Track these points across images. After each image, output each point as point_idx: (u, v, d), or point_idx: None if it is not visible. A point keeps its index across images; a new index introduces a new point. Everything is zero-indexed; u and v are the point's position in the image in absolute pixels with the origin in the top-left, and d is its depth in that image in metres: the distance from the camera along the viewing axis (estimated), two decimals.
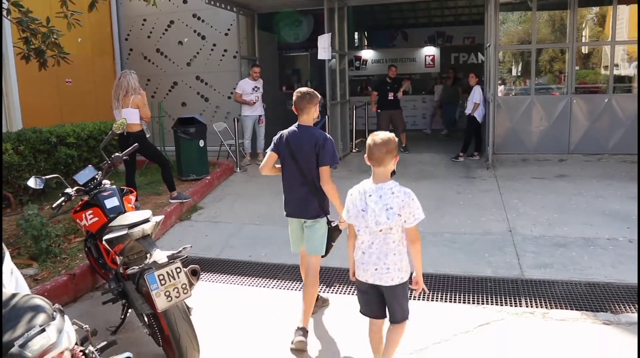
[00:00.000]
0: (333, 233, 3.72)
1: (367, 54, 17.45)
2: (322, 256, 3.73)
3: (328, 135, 3.62)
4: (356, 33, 20.54)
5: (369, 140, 2.83)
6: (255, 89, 9.88)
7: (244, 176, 9.17)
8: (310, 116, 3.60)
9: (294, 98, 3.63)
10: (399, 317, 2.91)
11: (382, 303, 2.92)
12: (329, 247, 3.74)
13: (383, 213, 2.72)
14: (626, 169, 8.53)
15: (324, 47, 9.21)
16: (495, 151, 9.57)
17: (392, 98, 10.49)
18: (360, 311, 3.03)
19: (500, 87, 10.19)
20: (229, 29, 11.00)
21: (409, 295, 2.99)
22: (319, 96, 3.67)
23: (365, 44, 21.03)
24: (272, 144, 3.71)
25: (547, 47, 11.70)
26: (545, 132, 9.85)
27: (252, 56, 11.06)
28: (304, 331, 3.58)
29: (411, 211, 2.74)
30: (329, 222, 3.69)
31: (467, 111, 9.89)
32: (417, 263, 2.87)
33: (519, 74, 11.93)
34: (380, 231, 2.77)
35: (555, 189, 7.53)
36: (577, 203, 6.79)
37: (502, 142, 9.91)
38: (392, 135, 2.85)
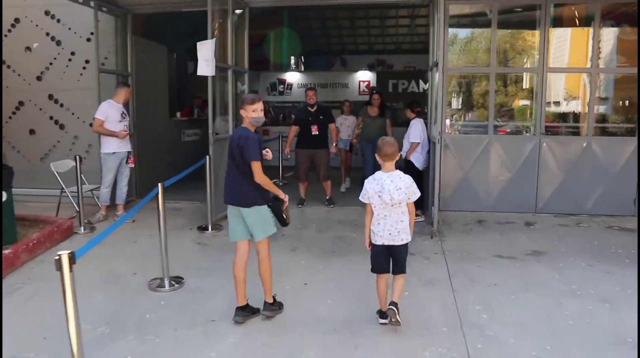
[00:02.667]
0: (276, 208, 3.97)
1: (293, 77, 14.73)
2: (285, 225, 4.12)
3: (253, 134, 3.85)
4: (292, 57, 18.36)
5: (380, 142, 3.81)
6: (124, 115, 6.87)
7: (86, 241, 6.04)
8: (244, 119, 3.91)
9: None
10: (402, 269, 3.89)
11: (389, 261, 3.86)
12: (283, 219, 4.04)
13: (395, 191, 3.67)
14: (619, 242, 6.03)
15: (206, 58, 6.33)
16: (442, 207, 6.90)
17: (317, 133, 7.67)
18: (373, 270, 3.92)
19: (447, 122, 7.56)
20: (92, 33, 7.87)
21: None
22: (247, 99, 3.91)
23: (302, 69, 18.72)
24: None
25: (511, 72, 9.17)
26: (507, 184, 7.33)
27: (124, 70, 8.01)
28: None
29: (412, 190, 3.77)
30: (270, 203, 3.94)
31: (402, 154, 7.16)
32: (412, 222, 3.88)
33: (472, 106, 9.36)
34: (392, 206, 3.71)
35: (533, 280, 4.90)
36: (575, 316, 4.14)
37: (452, 195, 7.27)
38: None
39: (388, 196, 3.66)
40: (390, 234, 3.75)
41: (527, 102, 8.88)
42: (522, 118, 8.52)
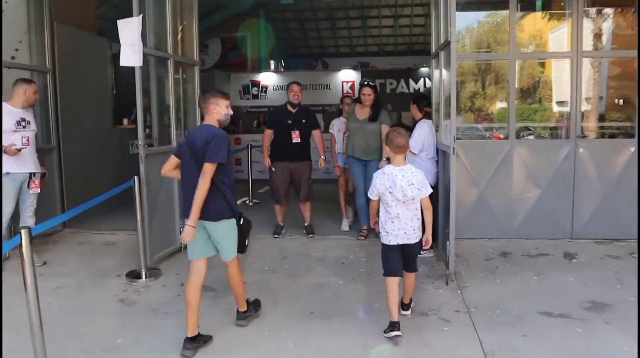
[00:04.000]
0: (244, 228, 3.49)
1: (268, 79, 12.92)
2: (242, 253, 3.57)
3: (222, 132, 3.35)
4: (272, 61, 17.55)
5: (392, 133, 3.55)
6: (22, 123, 4.97)
7: None
8: (209, 116, 3.40)
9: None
10: (415, 267, 3.71)
11: (401, 262, 3.57)
12: (243, 244, 3.53)
13: (408, 187, 3.41)
14: None
15: (131, 43, 4.50)
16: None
17: (298, 140, 5.86)
18: (385, 274, 3.55)
19: (447, 122, 5.79)
20: None
21: None
22: (219, 93, 3.45)
23: (282, 70, 17.11)
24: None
25: (536, 58, 7.34)
26: (534, 203, 5.61)
27: (42, 64, 6.12)
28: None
29: (425, 185, 3.48)
30: (238, 219, 3.44)
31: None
32: (428, 225, 3.59)
33: (482, 104, 7.58)
34: (404, 202, 3.44)
35: None
36: None
37: (465, 219, 5.52)
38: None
39: (400, 192, 3.44)
40: (405, 233, 3.52)
41: (550, 98, 7.18)
42: (545, 118, 6.83)
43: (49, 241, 5.96)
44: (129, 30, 4.51)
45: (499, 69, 8.65)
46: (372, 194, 3.57)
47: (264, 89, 12.82)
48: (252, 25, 16.31)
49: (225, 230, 3.39)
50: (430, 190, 3.54)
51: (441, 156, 4.98)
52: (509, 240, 5.60)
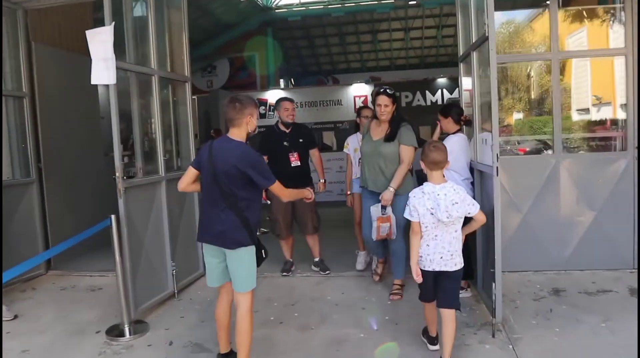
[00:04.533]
0: (259, 258, 3.15)
1: (276, 97, 12.11)
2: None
3: (256, 151, 3.03)
4: (282, 80, 17.11)
5: (427, 147, 3.13)
6: None
7: None
8: (241, 129, 3.02)
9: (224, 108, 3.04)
10: (454, 302, 3.13)
11: (436, 291, 3.19)
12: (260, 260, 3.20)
13: (452, 207, 3.01)
14: None
15: (103, 56, 3.76)
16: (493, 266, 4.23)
17: (298, 163, 5.04)
18: (421, 298, 3.30)
19: (484, 136, 4.86)
20: None
21: None
22: (253, 101, 3.07)
23: (290, 87, 16.51)
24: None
25: (584, 56, 6.33)
26: (588, 228, 4.70)
27: (18, 89, 5.41)
28: None
29: (469, 202, 3.11)
30: (259, 248, 3.12)
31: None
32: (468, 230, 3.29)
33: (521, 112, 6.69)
34: (446, 224, 3.04)
35: None
36: None
37: (506, 249, 4.57)
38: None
39: (444, 213, 3.02)
40: (442, 258, 3.10)
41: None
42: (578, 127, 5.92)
43: (28, 287, 5.20)
44: (100, 42, 3.77)
45: (515, 77, 7.85)
46: (412, 216, 3.11)
47: (272, 107, 12.07)
48: (260, 44, 15.88)
49: (242, 259, 3.04)
50: (477, 206, 3.15)
51: (478, 177, 4.13)
52: (558, 272, 4.71)
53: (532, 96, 7.22)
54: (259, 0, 14.25)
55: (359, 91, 11.64)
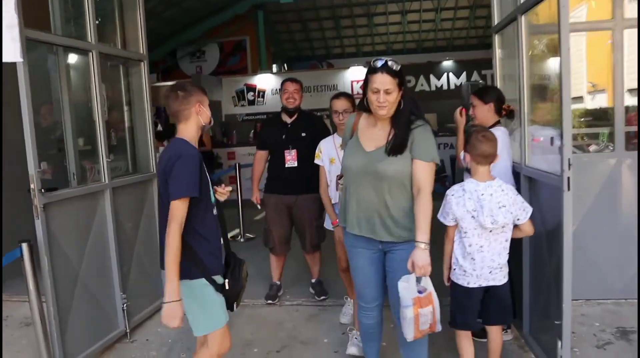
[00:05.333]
0: (231, 293, 2.34)
1: (265, 82, 10.99)
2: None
3: (191, 151, 2.21)
4: (274, 65, 15.94)
5: (475, 137, 2.55)
6: None
7: None
8: (190, 123, 2.29)
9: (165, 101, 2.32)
10: (507, 317, 2.73)
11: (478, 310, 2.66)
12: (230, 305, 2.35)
13: (498, 211, 2.46)
14: None
15: (9, 24, 2.61)
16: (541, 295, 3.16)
17: (294, 164, 3.90)
18: (456, 325, 2.66)
19: (537, 131, 3.71)
20: None
21: None
22: (199, 88, 2.33)
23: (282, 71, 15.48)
24: None
25: None
26: None
27: None
28: None
29: (520, 205, 2.54)
30: (215, 283, 2.28)
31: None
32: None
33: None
34: (491, 231, 2.49)
35: None
36: None
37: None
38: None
39: (488, 217, 2.44)
40: (490, 272, 2.52)
41: None
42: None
43: None
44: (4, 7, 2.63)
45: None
46: (447, 219, 2.57)
47: (261, 93, 10.92)
48: (252, 29, 14.91)
49: (188, 295, 2.25)
50: (531, 209, 2.55)
51: (526, 184, 3.03)
52: (617, 302, 3.65)
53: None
54: None
55: (357, 75, 10.51)
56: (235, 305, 2.37)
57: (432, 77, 10.36)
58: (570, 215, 2.41)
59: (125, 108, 3.96)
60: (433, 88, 10.31)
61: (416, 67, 10.61)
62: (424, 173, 2.29)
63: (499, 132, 3.12)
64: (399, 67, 2.28)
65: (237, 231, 6.33)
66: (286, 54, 19.19)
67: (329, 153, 3.36)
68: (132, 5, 3.90)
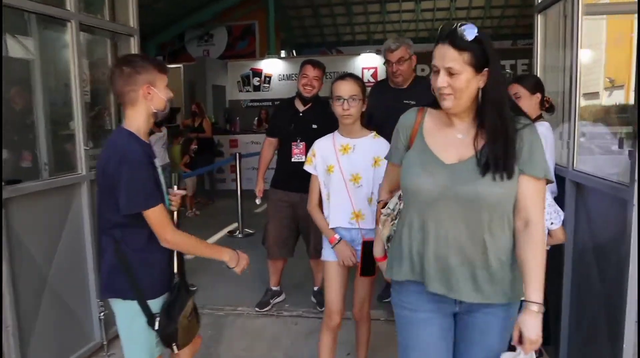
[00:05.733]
0: (165, 334, 1.90)
1: (272, 67, 10.49)
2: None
3: (132, 156, 1.78)
4: (283, 51, 15.74)
5: None
6: None
7: None
8: (137, 109, 1.87)
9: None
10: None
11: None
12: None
13: None
14: None
15: None
16: (579, 333, 2.69)
17: (302, 158, 3.32)
18: None
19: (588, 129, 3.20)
20: None
21: None
22: (151, 63, 1.86)
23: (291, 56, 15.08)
24: None
25: None
26: None
27: None
28: None
29: (554, 208, 2.31)
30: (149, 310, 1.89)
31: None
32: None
33: None
34: None
35: None
36: None
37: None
38: None
39: None
40: None
41: None
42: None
43: None
44: None
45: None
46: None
47: (267, 79, 10.42)
48: (261, 13, 14.46)
49: (121, 315, 1.95)
50: (561, 217, 2.24)
51: (571, 191, 2.55)
52: None
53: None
54: None
55: (368, 62, 10.00)
56: (175, 346, 1.93)
57: None
58: (636, 233, 1.94)
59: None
60: None
61: (430, 55, 10.06)
62: (536, 196, 1.53)
63: (543, 128, 2.65)
64: (473, 35, 1.45)
65: (235, 225, 5.89)
66: (295, 40, 18.94)
67: (325, 158, 2.43)
68: None
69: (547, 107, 2.77)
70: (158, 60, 2.00)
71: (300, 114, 3.47)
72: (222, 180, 8.53)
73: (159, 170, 1.94)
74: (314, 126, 3.37)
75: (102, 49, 3.43)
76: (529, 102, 2.69)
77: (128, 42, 3.45)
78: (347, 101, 2.28)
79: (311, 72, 3.41)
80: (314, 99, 3.46)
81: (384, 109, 2.90)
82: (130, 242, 1.87)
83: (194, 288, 3.99)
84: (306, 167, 2.47)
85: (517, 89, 2.73)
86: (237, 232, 5.77)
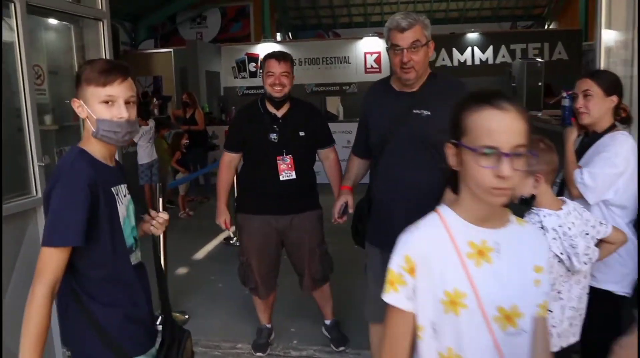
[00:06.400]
0: None
1: (268, 52, 9.74)
2: None
3: (73, 176, 1.43)
4: (278, 34, 14.90)
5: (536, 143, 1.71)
6: None
7: None
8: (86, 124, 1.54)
9: None
10: None
11: None
12: None
13: (590, 243, 1.78)
14: None
15: None
16: None
17: (292, 175, 2.71)
18: None
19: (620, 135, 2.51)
20: None
21: None
22: (92, 68, 1.48)
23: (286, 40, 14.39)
24: None
25: None
26: None
27: None
28: None
29: (594, 222, 1.86)
30: None
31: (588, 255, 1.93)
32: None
33: None
34: (574, 273, 1.79)
35: None
36: None
37: None
38: None
39: (584, 256, 1.72)
40: (570, 325, 1.81)
41: None
42: None
43: None
44: None
45: None
46: None
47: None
48: None
49: None
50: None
51: None
52: None
53: None
54: None
55: (371, 46, 9.29)
56: None
57: (454, 51, 9.15)
58: None
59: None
60: (456, 63, 9.12)
61: (437, 40, 9.39)
62: None
63: (624, 137, 2.03)
64: None
65: (233, 229, 5.26)
66: (291, 22, 18.26)
67: (442, 276, 1.17)
68: None
69: (623, 117, 2.14)
70: (101, 65, 1.47)
71: (280, 120, 2.74)
72: (216, 174, 7.90)
73: (121, 199, 1.53)
74: (301, 133, 2.73)
75: (63, 37, 2.76)
76: (600, 105, 2.06)
77: (96, 28, 2.78)
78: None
79: (277, 68, 2.67)
80: (289, 99, 2.75)
81: (387, 122, 2.17)
82: (91, 287, 1.47)
83: (186, 318, 3.42)
84: (389, 298, 1.16)
85: (589, 86, 2.09)
86: (234, 239, 5.15)
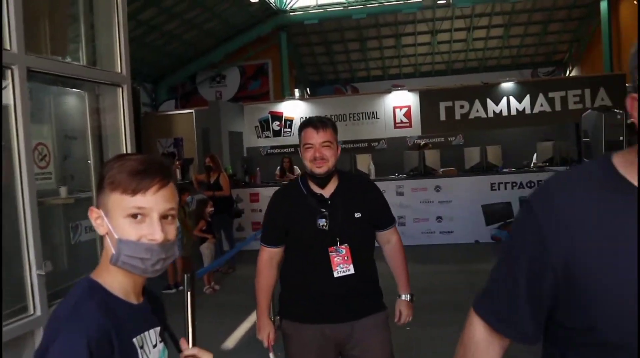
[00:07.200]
0: None
1: (292, 110, 9.37)
2: None
3: (70, 334, 0.97)
4: (297, 90, 15.08)
5: None
6: None
7: None
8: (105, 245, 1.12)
9: None
10: None
11: None
12: None
13: None
14: None
15: None
16: None
17: (349, 269, 2.10)
18: None
19: None
20: None
21: None
22: (110, 170, 1.05)
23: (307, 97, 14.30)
24: None
25: None
26: None
27: None
28: None
29: None
30: None
31: None
32: None
33: None
34: None
35: None
36: None
37: None
38: None
39: None
40: None
41: None
42: None
43: None
44: None
45: None
46: None
47: (288, 122, 9.30)
48: (274, 51, 14.15)
49: None
50: None
51: None
52: None
53: None
54: (272, 2, 12.70)
55: (400, 100, 8.87)
56: None
57: (489, 101, 8.69)
58: None
59: (91, 159, 2.36)
60: (490, 114, 8.65)
61: (471, 91, 8.97)
62: None
63: None
64: None
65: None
66: (308, 77, 18.42)
67: None
68: (107, 14, 2.32)
69: None
70: (132, 165, 1.03)
71: (329, 201, 2.16)
72: (243, 239, 7.36)
73: (147, 351, 1.08)
74: (357, 215, 2.14)
75: (77, 105, 2.29)
76: None
77: (114, 92, 2.30)
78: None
79: (316, 138, 2.09)
80: (336, 173, 2.17)
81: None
82: None
83: None
84: None
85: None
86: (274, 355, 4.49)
